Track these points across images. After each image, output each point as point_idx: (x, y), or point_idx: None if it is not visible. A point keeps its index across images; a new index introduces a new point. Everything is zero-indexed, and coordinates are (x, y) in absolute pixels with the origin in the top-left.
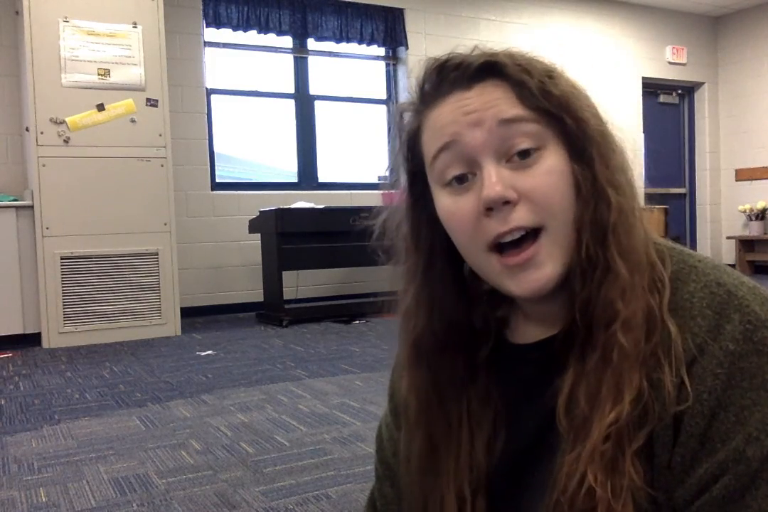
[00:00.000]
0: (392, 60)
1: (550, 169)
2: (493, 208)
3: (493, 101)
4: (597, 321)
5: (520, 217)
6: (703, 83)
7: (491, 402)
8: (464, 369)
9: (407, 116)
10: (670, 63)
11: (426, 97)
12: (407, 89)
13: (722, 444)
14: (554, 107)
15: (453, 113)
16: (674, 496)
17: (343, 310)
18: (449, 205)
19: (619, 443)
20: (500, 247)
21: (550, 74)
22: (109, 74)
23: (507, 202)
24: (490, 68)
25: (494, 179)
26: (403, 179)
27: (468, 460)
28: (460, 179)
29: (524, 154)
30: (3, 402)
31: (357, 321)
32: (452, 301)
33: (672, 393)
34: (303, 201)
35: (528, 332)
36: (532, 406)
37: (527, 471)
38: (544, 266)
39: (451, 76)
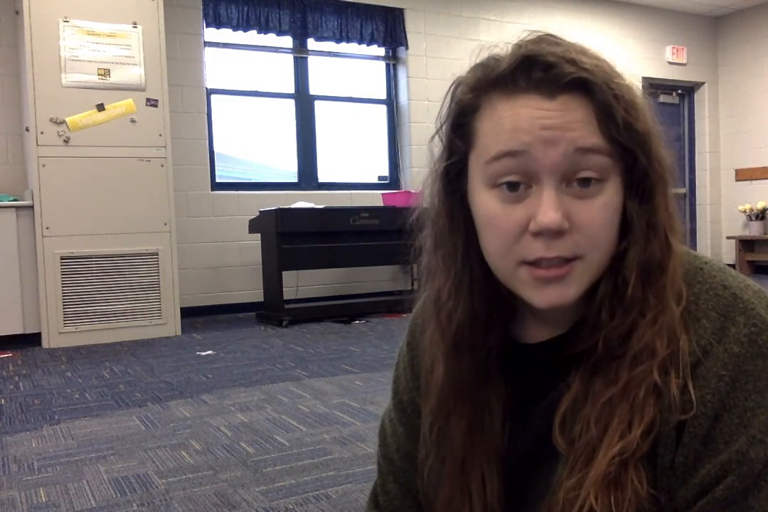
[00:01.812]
0: (392, 60)
1: (606, 204)
2: (543, 234)
3: (574, 123)
4: (626, 356)
5: (565, 247)
6: (703, 83)
7: (503, 394)
8: (488, 351)
9: (465, 89)
10: (670, 63)
11: (498, 82)
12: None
13: (725, 445)
14: (632, 143)
15: (529, 121)
16: (676, 497)
17: (343, 310)
18: (495, 209)
19: (624, 463)
20: (532, 262)
21: (635, 103)
22: (109, 74)
23: (559, 232)
24: (581, 84)
25: (554, 206)
26: (445, 154)
27: (492, 443)
28: (512, 186)
29: (586, 182)
30: (3, 402)
31: (357, 321)
32: (491, 286)
33: (677, 398)
34: (303, 201)
35: (533, 331)
36: (536, 407)
37: (530, 471)
38: (570, 287)
39: (537, 75)
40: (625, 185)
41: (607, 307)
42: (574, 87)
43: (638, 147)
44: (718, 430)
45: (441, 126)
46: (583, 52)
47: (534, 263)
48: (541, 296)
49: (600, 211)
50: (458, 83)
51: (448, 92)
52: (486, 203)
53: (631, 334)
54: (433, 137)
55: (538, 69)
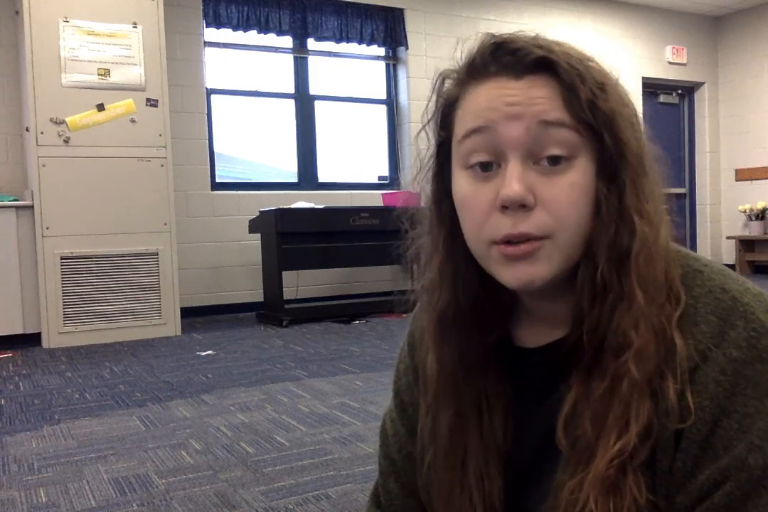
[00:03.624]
0: (392, 60)
1: (574, 183)
2: (508, 207)
3: (538, 99)
4: (608, 347)
5: (532, 224)
6: (703, 83)
7: (503, 394)
8: (484, 349)
9: (448, 83)
10: (670, 63)
11: (473, 70)
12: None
13: (724, 451)
14: (597, 123)
15: (494, 99)
16: (675, 502)
17: (343, 310)
18: (467, 190)
19: (623, 468)
20: (501, 240)
21: (602, 86)
22: (109, 74)
23: (523, 205)
24: (546, 64)
25: (517, 179)
26: (432, 144)
27: (492, 439)
28: (485, 166)
29: (554, 160)
30: (3, 402)
31: (357, 321)
32: (476, 276)
33: (674, 403)
34: (303, 201)
35: (533, 334)
36: (539, 408)
37: (534, 471)
38: (538, 264)
39: (504, 59)
40: (596, 166)
41: (586, 294)
42: (539, 68)
43: (604, 126)
44: (717, 436)
45: (429, 121)
46: (558, 42)
47: (503, 242)
48: (511, 274)
49: (566, 189)
50: (442, 77)
51: (433, 87)
52: (460, 185)
53: (610, 324)
54: (419, 132)
55: (506, 53)
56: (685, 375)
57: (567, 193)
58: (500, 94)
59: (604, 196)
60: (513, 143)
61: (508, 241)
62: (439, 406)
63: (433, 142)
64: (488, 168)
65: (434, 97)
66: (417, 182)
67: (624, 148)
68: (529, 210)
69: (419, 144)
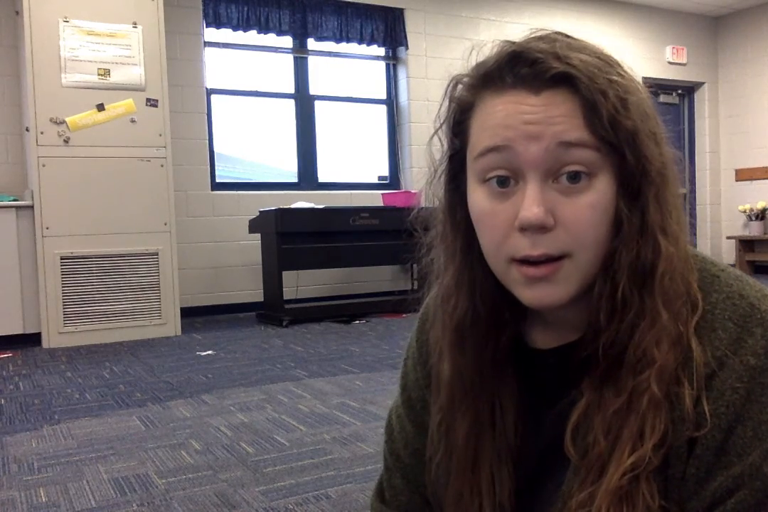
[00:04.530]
0: (392, 60)
1: (595, 203)
2: (527, 229)
3: (558, 117)
4: (628, 363)
5: (552, 245)
6: (703, 83)
7: (516, 394)
8: (499, 351)
9: (461, 88)
10: (670, 63)
11: (488, 79)
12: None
13: (738, 458)
14: (619, 140)
15: (512, 116)
16: (687, 508)
17: (343, 310)
18: (484, 206)
19: (636, 477)
20: (522, 260)
21: (625, 100)
22: (109, 74)
23: (543, 227)
24: (566, 78)
25: (536, 201)
26: (446, 151)
27: (504, 440)
28: (502, 181)
29: (574, 176)
30: (3, 402)
31: (357, 321)
32: (493, 283)
33: (690, 410)
34: (303, 201)
35: (545, 336)
36: (549, 411)
37: (542, 473)
38: (558, 286)
39: (522, 71)
40: (618, 183)
41: (604, 310)
42: (559, 82)
43: (625, 144)
44: (731, 442)
45: (440, 125)
46: (579, 48)
47: (522, 261)
48: (531, 294)
49: (587, 209)
50: (455, 82)
51: (445, 91)
52: (477, 200)
53: (630, 340)
54: (432, 137)
55: (524, 65)
56: (702, 382)
57: (587, 213)
58: (518, 111)
59: (625, 214)
60: (532, 163)
61: (527, 260)
62: (454, 411)
63: (446, 148)
64: (505, 183)
65: (446, 102)
66: (430, 187)
67: (647, 164)
68: (549, 230)
69: (431, 148)
